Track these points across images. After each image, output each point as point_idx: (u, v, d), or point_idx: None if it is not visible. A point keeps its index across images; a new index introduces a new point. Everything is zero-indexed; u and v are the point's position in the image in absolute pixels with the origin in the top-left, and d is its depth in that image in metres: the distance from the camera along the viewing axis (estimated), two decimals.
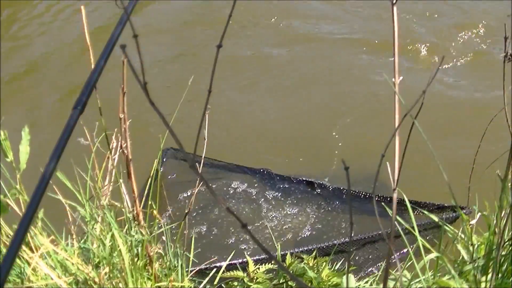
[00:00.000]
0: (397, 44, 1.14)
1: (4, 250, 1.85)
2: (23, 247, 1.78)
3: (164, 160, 3.84)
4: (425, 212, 1.97)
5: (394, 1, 1.09)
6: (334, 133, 4.21)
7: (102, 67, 1.04)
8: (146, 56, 5.07)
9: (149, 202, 2.02)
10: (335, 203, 3.61)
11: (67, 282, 1.64)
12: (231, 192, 3.74)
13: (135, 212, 1.97)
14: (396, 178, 1.15)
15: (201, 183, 2.18)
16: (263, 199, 3.68)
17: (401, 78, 1.16)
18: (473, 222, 1.79)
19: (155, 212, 2.05)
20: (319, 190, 3.66)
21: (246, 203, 3.67)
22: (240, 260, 2.73)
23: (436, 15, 5.45)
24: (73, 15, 5.79)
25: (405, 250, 3.08)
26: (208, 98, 0.94)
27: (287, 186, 3.73)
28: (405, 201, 1.89)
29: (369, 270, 3.25)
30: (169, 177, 3.81)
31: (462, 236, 1.85)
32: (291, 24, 5.47)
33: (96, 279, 1.70)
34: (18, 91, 4.95)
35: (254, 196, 3.70)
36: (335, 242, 3.06)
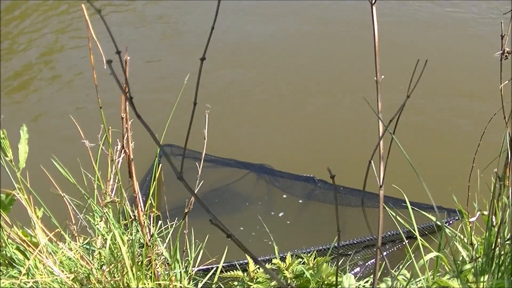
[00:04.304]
0: (377, 44, 1.13)
1: (4, 249, 1.85)
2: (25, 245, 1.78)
3: (161, 157, 3.78)
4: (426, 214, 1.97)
5: (373, 1, 1.09)
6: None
7: None
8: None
9: (149, 201, 2.02)
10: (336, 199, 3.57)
11: (70, 278, 1.64)
12: (230, 187, 3.72)
13: (136, 211, 1.97)
14: (382, 175, 1.14)
15: (201, 182, 2.17)
16: (262, 196, 3.66)
17: (382, 77, 1.15)
18: (472, 219, 1.80)
19: (155, 211, 2.05)
20: (320, 185, 3.61)
21: (245, 200, 3.65)
22: (241, 261, 2.72)
23: None
24: None
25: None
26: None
27: (286, 181, 3.70)
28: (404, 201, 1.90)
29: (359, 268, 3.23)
30: (165, 174, 3.76)
31: (461, 236, 1.85)
32: None
33: (99, 277, 1.71)
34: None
35: (253, 193, 3.68)
36: (334, 245, 3.03)
